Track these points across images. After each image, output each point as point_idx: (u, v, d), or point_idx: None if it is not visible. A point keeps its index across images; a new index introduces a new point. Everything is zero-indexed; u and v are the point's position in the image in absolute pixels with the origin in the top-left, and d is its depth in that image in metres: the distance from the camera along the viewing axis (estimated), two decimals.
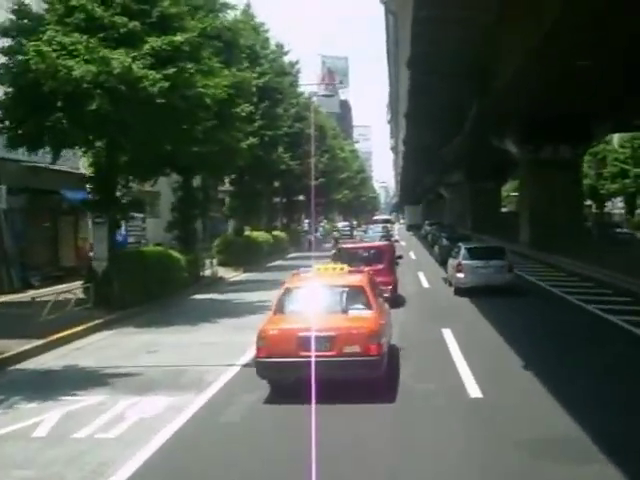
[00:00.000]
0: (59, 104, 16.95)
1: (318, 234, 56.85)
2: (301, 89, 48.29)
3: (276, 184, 45.23)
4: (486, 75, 31.77)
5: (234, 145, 24.56)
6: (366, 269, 15.69)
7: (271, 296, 11.28)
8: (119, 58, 16.47)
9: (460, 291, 21.34)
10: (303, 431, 7.42)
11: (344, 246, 23.23)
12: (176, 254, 22.47)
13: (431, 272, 29.22)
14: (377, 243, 24.71)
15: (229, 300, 22.02)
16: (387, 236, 41.04)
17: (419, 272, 28.95)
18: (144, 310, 18.96)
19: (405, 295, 20.86)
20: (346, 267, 12.90)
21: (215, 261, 30.75)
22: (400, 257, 23.65)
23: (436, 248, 35.97)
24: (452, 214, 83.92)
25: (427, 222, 69.35)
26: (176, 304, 20.89)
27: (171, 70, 17.23)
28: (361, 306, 10.60)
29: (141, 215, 37.83)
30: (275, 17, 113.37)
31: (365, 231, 53.71)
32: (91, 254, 22.25)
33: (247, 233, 37.30)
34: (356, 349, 9.62)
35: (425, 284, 25.49)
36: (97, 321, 16.77)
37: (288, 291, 11.18)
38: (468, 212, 68.91)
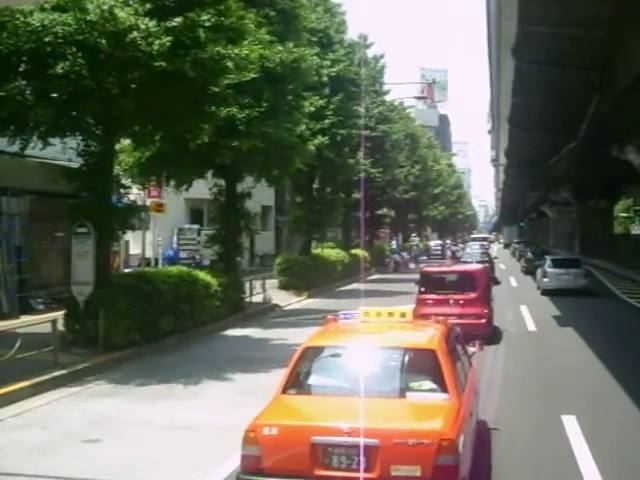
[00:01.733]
0: (22, 68, 12.30)
1: (405, 253, 51.01)
2: (387, 87, 43.09)
3: (357, 195, 39.67)
4: (612, 65, 25.51)
5: (289, 141, 19.45)
6: (454, 298, 15.77)
7: None
8: (97, 0, 11.65)
9: (546, 292, 26.78)
10: None
11: (426, 269, 19.02)
12: (204, 276, 17.39)
13: (538, 306, 23.23)
14: (468, 267, 20.51)
15: (268, 340, 16.73)
16: (485, 253, 39.04)
17: (522, 306, 22.91)
18: (138, 354, 13.81)
19: (503, 341, 16.11)
20: (409, 311, 7.70)
21: (270, 283, 25.63)
22: (497, 282, 19.96)
23: (522, 261, 43.92)
24: (557, 236, 76.97)
25: (515, 240, 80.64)
26: (191, 345, 15.68)
27: (176, 21, 12.31)
28: (430, 385, 6.19)
29: (196, 227, 33.38)
30: (375, 32, 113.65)
31: (463, 249, 51.91)
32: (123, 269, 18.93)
33: (317, 251, 32.01)
34: (415, 471, 5.32)
35: (531, 325, 19.19)
36: (58, 372, 11.81)
37: (308, 354, 6.60)
38: (576, 234, 62.01)
